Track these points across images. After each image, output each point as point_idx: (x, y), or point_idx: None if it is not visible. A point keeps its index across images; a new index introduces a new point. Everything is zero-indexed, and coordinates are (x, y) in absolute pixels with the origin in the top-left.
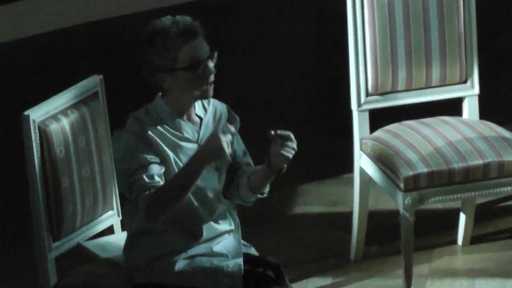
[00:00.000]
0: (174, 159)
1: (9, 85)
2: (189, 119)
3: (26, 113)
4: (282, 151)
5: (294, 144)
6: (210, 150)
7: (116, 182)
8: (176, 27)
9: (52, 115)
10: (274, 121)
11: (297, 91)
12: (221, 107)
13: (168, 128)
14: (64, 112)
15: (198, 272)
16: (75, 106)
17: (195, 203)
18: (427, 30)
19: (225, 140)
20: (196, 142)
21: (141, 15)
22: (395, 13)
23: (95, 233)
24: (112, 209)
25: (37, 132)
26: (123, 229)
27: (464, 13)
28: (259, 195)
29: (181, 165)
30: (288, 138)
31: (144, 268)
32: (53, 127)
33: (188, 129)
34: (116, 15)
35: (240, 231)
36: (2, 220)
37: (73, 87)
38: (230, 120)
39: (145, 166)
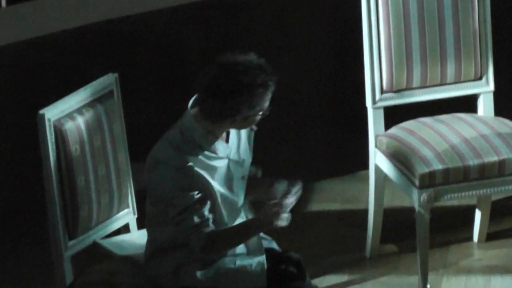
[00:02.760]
0: (213, 186)
1: (24, 84)
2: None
3: (41, 112)
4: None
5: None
6: (266, 223)
7: (131, 181)
8: (269, 80)
9: (68, 114)
10: (289, 118)
11: (311, 89)
12: None
13: (205, 152)
14: (79, 111)
15: (222, 273)
16: (90, 104)
17: (224, 213)
18: (442, 27)
19: (281, 215)
20: (227, 157)
21: (156, 13)
22: (409, 11)
23: (111, 231)
24: (128, 207)
25: (53, 131)
26: (139, 227)
27: (479, 10)
28: None
29: (217, 186)
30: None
31: (170, 274)
32: (69, 125)
33: (220, 148)
34: (131, 13)
35: None
36: (18, 219)
37: (88, 85)
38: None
39: (194, 204)
